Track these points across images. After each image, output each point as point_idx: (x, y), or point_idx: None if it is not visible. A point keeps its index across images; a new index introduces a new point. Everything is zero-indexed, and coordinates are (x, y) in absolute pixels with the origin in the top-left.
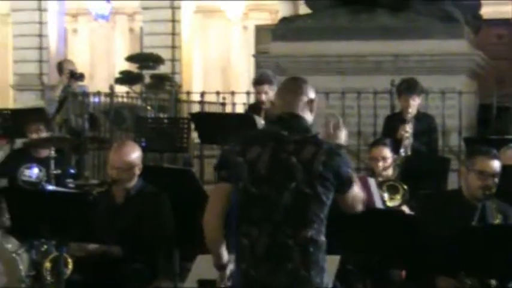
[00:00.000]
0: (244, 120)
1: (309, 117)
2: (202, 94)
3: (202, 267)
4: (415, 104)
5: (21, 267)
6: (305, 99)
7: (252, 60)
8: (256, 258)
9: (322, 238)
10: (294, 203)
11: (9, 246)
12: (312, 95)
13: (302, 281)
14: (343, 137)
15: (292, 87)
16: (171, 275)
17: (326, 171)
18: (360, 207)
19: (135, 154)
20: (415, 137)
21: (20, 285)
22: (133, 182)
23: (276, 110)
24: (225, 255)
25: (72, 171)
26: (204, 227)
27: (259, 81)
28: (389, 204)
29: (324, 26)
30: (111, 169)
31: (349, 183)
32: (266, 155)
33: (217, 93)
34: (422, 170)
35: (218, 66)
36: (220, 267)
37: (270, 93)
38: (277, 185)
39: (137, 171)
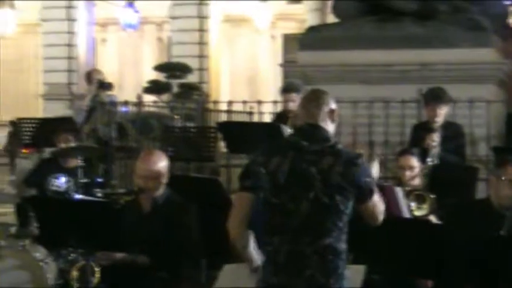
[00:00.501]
0: (271, 129)
1: (330, 127)
2: (230, 103)
3: (228, 276)
4: (442, 113)
5: (49, 275)
6: (326, 109)
7: (279, 69)
8: (277, 265)
9: (342, 246)
10: (312, 212)
11: (37, 254)
12: (332, 105)
13: (321, 287)
14: (375, 168)
15: (313, 98)
16: (198, 284)
17: (344, 182)
18: (380, 219)
19: (161, 163)
20: (442, 146)
21: None
22: (160, 191)
23: (298, 121)
24: (255, 258)
25: (99, 180)
26: (229, 235)
27: (286, 89)
28: (417, 213)
29: (351, 35)
30: (138, 178)
31: (368, 193)
32: (286, 165)
33: (244, 102)
34: (450, 179)
35: (246, 76)
36: (254, 270)
37: (297, 101)
38: (296, 194)
39: (164, 180)
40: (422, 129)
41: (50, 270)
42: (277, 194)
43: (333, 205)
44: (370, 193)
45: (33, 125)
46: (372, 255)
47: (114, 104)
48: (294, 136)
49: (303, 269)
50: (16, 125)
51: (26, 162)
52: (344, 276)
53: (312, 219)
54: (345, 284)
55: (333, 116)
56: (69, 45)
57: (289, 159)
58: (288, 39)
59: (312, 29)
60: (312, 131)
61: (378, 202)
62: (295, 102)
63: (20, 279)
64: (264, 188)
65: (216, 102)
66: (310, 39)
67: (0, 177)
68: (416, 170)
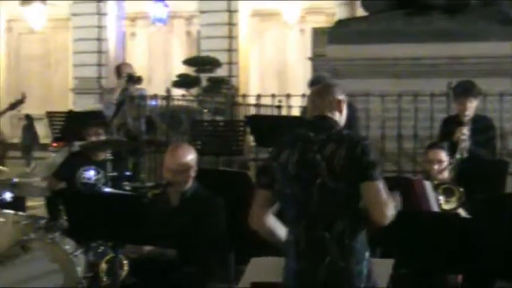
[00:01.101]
0: (299, 122)
1: (337, 117)
2: (258, 97)
3: (256, 270)
4: (471, 106)
5: (78, 268)
6: (332, 100)
7: (308, 63)
8: (299, 253)
9: (358, 228)
10: (321, 199)
11: (66, 247)
12: (339, 96)
13: (341, 271)
14: None
15: (320, 90)
16: (226, 278)
17: (347, 164)
18: (388, 216)
19: (190, 156)
20: (472, 140)
21: (76, 287)
22: (189, 184)
23: (308, 114)
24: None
25: (128, 173)
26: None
27: (314, 82)
28: (445, 207)
29: (380, 29)
30: (167, 172)
31: (371, 170)
32: (294, 156)
33: (273, 96)
34: (479, 173)
35: (275, 70)
36: None
37: None
38: (305, 182)
39: (192, 173)
40: (452, 122)
41: (79, 263)
42: (290, 185)
43: (341, 190)
44: (372, 169)
45: (63, 119)
46: (401, 249)
47: (143, 97)
48: (303, 128)
49: (323, 255)
50: (32, 119)
51: (56, 155)
52: (364, 258)
53: (323, 205)
54: (365, 265)
55: (340, 107)
56: (99, 40)
57: (297, 151)
58: (317, 33)
59: (341, 23)
60: (319, 122)
61: (384, 193)
62: None
63: (50, 272)
64: (277, 180)
65: (244, 96)
66: (339, 33)
67: (15, 170)
68: (445, 164)
